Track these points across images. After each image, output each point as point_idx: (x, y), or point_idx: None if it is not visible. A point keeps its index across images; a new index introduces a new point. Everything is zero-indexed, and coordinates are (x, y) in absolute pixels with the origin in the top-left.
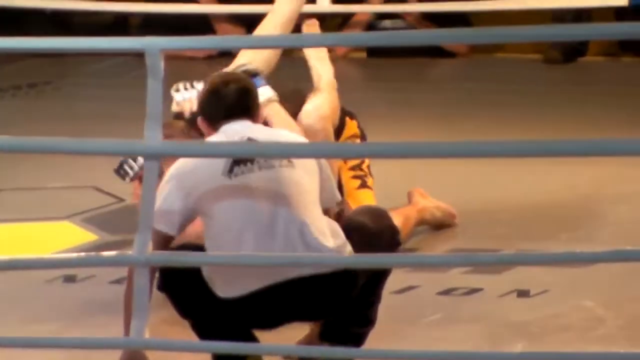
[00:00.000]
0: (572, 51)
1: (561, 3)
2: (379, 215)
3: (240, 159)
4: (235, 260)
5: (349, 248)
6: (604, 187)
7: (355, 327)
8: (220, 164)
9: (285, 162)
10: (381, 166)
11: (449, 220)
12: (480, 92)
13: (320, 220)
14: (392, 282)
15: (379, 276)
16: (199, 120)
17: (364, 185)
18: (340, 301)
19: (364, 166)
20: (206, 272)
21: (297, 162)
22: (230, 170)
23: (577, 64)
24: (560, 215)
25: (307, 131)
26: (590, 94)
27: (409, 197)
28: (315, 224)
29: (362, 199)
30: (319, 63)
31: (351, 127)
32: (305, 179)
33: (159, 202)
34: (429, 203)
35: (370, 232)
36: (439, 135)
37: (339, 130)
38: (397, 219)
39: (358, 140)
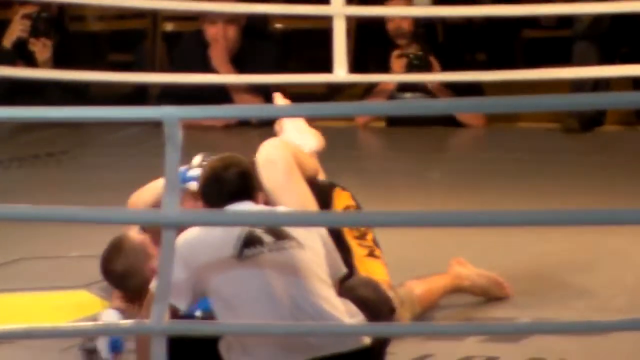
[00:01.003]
0: (590, 120)
1: (579, 73)
2: (376, 287)
3: (250, 241)
4: (257, 329)
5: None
6: (622, 256)
7: None
8: (229, 245)
9: (294, 243)
10: (393, 235)
11: (497, 290)
12: (497, 162)
13: (336, 300)
14: (408, 351)
15: (384, 344)
16: (201, 205)
17: (372, 254)
18: None
19: (368, 238)
20: (226, 353)
21: (305, 242)
22: (241, 253)
23: (595, 133)
24: (577, 283)
25: (265, 165)
26: (608, 163)
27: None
28: (332, 303)
29: (371, 268)
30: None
31: (344, 197)
32: (315, 259)
33: None
34: (466, 271)
35: (374, 304)
36: (456, 205)
37: (326, 203)
38: (419, 288)
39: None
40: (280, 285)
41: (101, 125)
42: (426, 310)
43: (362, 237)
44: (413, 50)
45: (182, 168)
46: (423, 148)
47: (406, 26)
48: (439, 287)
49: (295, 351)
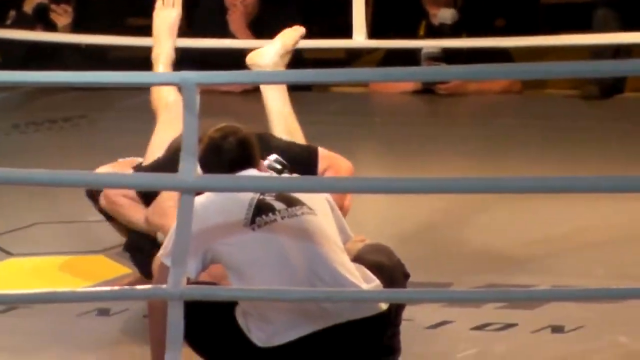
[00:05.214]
0: (610, 87)
1: (600, 39)
2: (389, 252)
3: (262, 209)
4: (275, 295)
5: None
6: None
7: (383, 358)
8: (240, 213)
9: (306, 209)
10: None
11: None
12: (518, 128)
13: (350, 265)
14: (427, 317)
15: (399, 309)
16: None
17: None
18: (377, 345)
19: None
20: (242, 320)
21: (316, 208)
22: (253, 221)
23: (615, 100)
24: (596, 251)
25: None
26: (629, 130)
27: None
28: (348, 269)
29: None
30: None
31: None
32: (327, 224)
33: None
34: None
35: (388, 269)
36: (478, 171)
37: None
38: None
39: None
40: (296, 252)
41: (119, 90)
42: None
43: None
44: (448, 14)
45: None
46: (440, 114)
47: None
48: None
49: (312, 318)
